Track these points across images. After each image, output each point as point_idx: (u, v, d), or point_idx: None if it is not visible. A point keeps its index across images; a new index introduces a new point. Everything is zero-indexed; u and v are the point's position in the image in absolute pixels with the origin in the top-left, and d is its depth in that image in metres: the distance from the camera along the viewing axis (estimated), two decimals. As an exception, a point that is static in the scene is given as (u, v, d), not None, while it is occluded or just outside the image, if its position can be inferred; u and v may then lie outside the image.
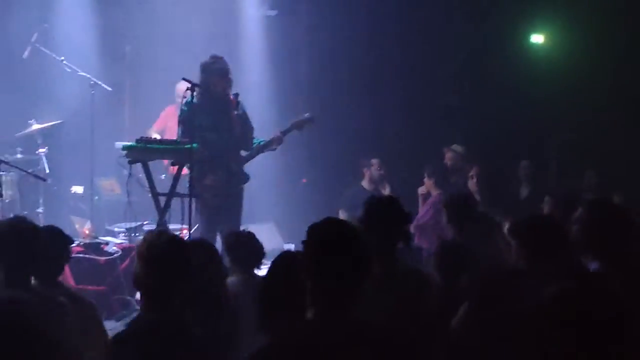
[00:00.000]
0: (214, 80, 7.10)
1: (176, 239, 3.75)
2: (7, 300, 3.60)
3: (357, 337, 3.01)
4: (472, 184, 7.85)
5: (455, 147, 8.44)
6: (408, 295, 3.82)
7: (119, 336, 3.62)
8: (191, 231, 6.83)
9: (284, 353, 3.01)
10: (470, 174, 8.05)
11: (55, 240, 4.34)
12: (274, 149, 7.49)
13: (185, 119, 7.17)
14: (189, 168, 6.95)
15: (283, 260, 3.53)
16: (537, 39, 10.19)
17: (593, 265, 4.14)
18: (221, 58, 7.24)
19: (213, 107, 7.19)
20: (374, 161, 9.12)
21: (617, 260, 4.07)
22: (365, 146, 9.51)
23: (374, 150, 9.41)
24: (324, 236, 3.07)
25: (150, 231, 4.48)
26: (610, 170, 8.21)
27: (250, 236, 5.00)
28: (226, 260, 4.96)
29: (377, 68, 9.68)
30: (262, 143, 7.38)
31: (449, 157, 8.53)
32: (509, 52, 9.83)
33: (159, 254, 3.51)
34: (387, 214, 4.04)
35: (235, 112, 7.31)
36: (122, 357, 3.56)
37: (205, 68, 7.09)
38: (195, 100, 7.03)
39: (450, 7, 9.61)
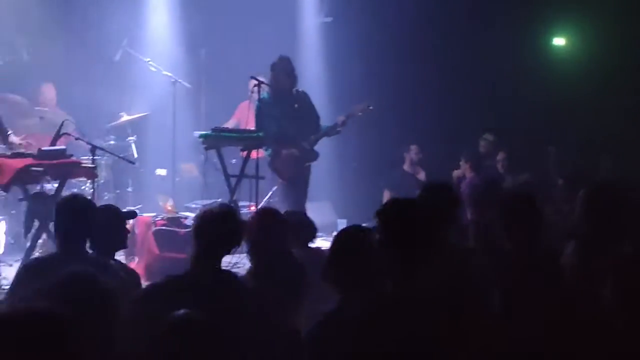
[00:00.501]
0: (282, 78, 7.37)
1: (226, 210, 3.83)
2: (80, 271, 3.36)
3: (429, 305, 3.15)
4: (500, 167, 8.30)
5: (487, 135, 8.75)
6: (456, 269, 3.72)
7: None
8: (258, 206, 7.04)
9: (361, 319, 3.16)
10: (498, 158, 8.46)
11: (110, 217, 4.29)
12: (339, 132, 7.70)
13: (259, 112, 7.51)
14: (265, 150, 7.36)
15: (346, 234, 3.57)
16: (559, 41, 10.16)
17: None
18: (287, 58, 7.50)
19: (283, 100, 7.46)
20: (413, 147, 9.47)
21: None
22: (406, 134, 9.60)
23: (414, 138, 9.59)
24: (400, 214, 3.28)
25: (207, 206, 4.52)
26: (629, 165, 8.14)
27: (304, 215, 5.29)
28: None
29: (418, 67, 9.56)
30: (328, 127, 7.61)
31: (482, 145, 8.84)
32: (534, 53, 9.83)
33: (210, 221, 3.66)
34: (444, 198, 4.03)
35: (302, 104, 7.55)
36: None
37: (274, 67, 7.36)
38: (266, 95, 7.43)
39: (485, 15, 9.49)
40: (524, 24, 9.55)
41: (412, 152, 9.43)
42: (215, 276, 3.61)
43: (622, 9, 8.91)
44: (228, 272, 3.84)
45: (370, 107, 7.71)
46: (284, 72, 7.41)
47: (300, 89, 7.63)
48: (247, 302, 3.60)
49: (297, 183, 7.52)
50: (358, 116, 7.74)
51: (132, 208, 7.76)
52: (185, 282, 3.58)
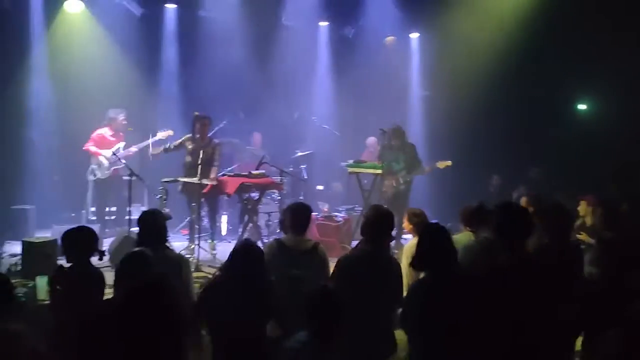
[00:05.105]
0: (396, 135, 7.51)
1: (383, 210, 3.82)
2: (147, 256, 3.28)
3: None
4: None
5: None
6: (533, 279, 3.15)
7: (347, 259, 3.73)
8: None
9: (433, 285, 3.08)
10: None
11: (160, 220, 4.02)
12: (426, 173, 7.70)
13: (380, 155, 7.62)
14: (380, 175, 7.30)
15: (432, 229, 3.40)
16: (582, 106, 9.90)
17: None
18: (399, 126, 7.53)
19: (396, 150, 7.42)
20: (495, 177, 9.02)
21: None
22: (485, 168, 9.18)
23: (495, 170, 9.11)
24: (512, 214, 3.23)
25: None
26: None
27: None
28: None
29: (488, 121, 9.25)
30: (419, 169, 7.48)
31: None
32: (566, 115, 9.54)
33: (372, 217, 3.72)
34: (520, 220, 3.34)
35: (408, 153, 7.51)
36: (346, 267, 3.62)
37: (390, 132, 7.46)
38: (388, 145, 7.49)
39: (530, 83, 9.08)
40: (557, 91, 9.21)
41: (494, 180, 9.07)
42: (381, 252, 3.63)
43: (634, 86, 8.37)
44: (388, 252, 3.77)
45: (450, 164, 7.50)
46: (396, 135, 7.43)
47: (408, 141, 7.61)
48: (393, 271, 3.60)
49: (397, 199, 7.36)
50: (439, 169, 7.56)
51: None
52: (363, 257, 3.63)
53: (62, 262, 3.73)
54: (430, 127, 9.93)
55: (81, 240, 3.59)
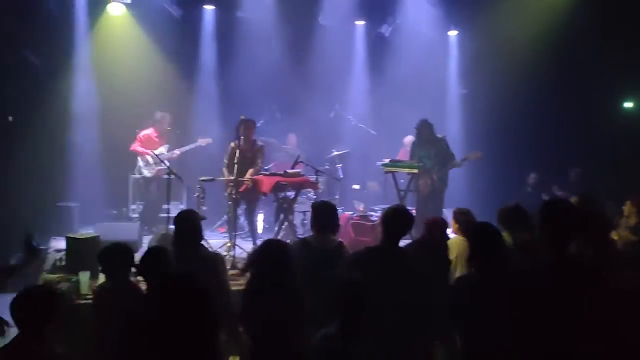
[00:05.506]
0: (428, 131, 7.58)
1: (403, 210, 3.85)
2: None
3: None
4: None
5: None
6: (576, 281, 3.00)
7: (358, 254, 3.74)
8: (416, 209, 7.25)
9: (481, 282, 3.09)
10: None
11: (196, 219, 4.00)
12: (460, 166, 7.64)
13: (411, 153, 7.82)
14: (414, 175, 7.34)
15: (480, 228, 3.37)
16: (629, 104, 9.88)
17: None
18: (425, 120, 7.56)
19: (426, 145, 7.59)
20: (532, 175, 9.07)
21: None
22: (525, 164, 9.25)
23: (532, 167, 9.19)
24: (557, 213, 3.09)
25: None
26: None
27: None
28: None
29: (532, 122, 9.21)
30: (453, 163, 7.50)
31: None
32: (611, 113, 9.50)
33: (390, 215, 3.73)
34: (564, 218, 3.14)
35: (439, 147, 7.55)
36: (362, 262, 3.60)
37: (420, 126, 7.60)
38: (417, 141, 7.65)
39: (582, 78, 8.98)
40: (602, 89, 9.13)
41: (531, 179, 9.10)
42: (395, 251, 3.66)
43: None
44: (402, 248, 3.76)
45: (480, 156, 7.56)
46: (428, 129, 7.56)
47: (437, 135, 7.60)
48: (412, 268, 3.60)
49: (432, 198, 7.42)
50: (472, 160, 7.62)
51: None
52: (376, 253, 3.68)
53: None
54: (468, 126, 9.88)
55: (118, 257, 3.61)
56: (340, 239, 4.19)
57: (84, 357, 3.10)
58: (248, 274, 3.51)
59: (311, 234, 4.21)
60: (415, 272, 3.59)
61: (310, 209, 4.19)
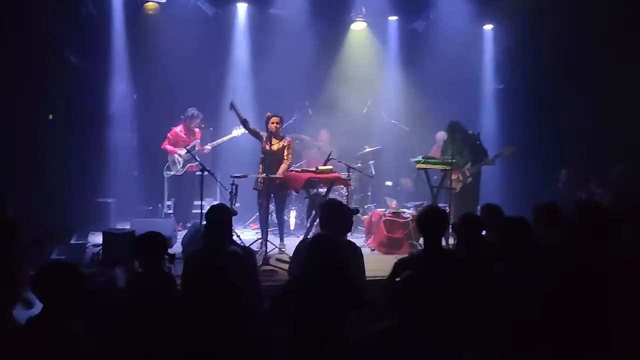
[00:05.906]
0: (458, 132, 7.43)
1: (436, 209, 3.93)
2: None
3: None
4: None
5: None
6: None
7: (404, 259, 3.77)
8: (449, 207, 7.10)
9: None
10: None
11: (226, 215, 4.04)
12: (494, 163, 7.52)
13: (443, 150, 7.77)
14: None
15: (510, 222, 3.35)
16: None
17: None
18: (454, 121, 7.42)
19: (460, 142, 7.40)
20: (563, 171, 8.87)
21: None
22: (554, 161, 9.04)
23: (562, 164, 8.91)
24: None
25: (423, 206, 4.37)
26: None
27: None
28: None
29: (571, 104, 8.97)
30: (486, 160, 7.39)
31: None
32: None
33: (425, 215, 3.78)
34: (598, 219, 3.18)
35: (472, 143, 7.44)
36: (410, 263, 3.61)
37: (449, 128, 7.46)
38: (449, 139, 7.48)
39: (621, 71, 8.52)
40: None
41: (562, 175, 8.94)
42: (436, 251, 3.69)
43: None
44: (445, 250, 3.83)
45: (514, 150, 7.50)
46: (459, 128, 7.43)
47: (473, 132, 7.50)
48: (456, 268, 3.51)
49: (464, 194, 7.35)
50: (505, 155, 7.55)
51: (355, 206, 7.86)
52: (422, 257, 3.69)
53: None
54: (504, 121, 9.81)
55: (152, 245, 3.69)
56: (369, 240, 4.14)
57: (109, 342, 3.12)
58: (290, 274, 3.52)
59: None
60: (463, 273, 3.52)
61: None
